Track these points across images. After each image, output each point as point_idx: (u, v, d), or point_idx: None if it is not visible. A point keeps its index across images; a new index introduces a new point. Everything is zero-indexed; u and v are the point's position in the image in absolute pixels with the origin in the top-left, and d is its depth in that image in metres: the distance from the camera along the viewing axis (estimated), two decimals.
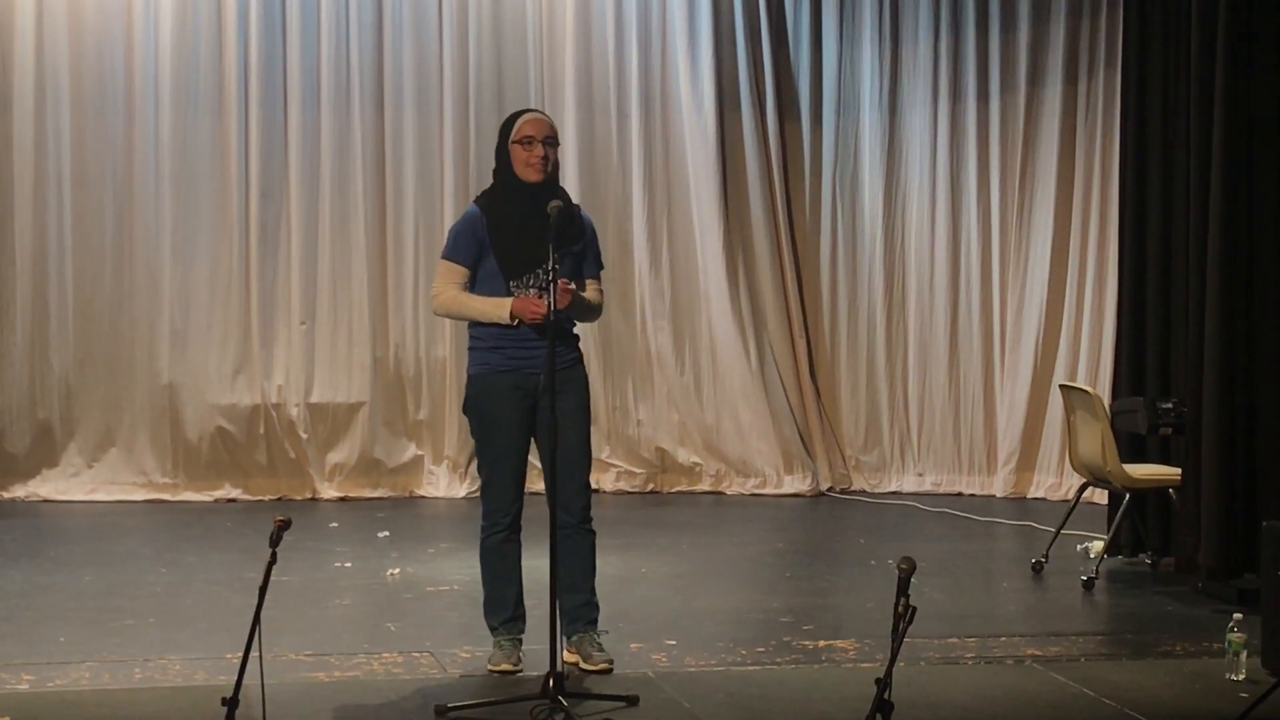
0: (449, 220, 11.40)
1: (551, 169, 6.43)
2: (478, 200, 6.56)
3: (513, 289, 6.38)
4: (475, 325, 6.49)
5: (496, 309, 6.37)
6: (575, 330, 6.58)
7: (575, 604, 6.50)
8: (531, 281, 6.36)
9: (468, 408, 6.56)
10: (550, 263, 6.10)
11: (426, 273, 11.45)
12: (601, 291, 6.62)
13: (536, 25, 11.67)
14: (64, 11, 11.03)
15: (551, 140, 6.43)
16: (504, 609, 6.52)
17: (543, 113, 6.63)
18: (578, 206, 6.60)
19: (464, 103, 11.55)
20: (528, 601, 6.59)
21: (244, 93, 11.24)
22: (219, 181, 11.26)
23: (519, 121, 6.47)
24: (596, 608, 6.59)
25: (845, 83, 12.06)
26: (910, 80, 11.99)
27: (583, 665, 6.47)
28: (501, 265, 6.40)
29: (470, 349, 6.56)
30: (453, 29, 11.51)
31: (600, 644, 6.55)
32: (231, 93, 11.22)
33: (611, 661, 6.51)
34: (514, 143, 6.43)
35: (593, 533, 6.55)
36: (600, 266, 6.64)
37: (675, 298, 11.83)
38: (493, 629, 6.55)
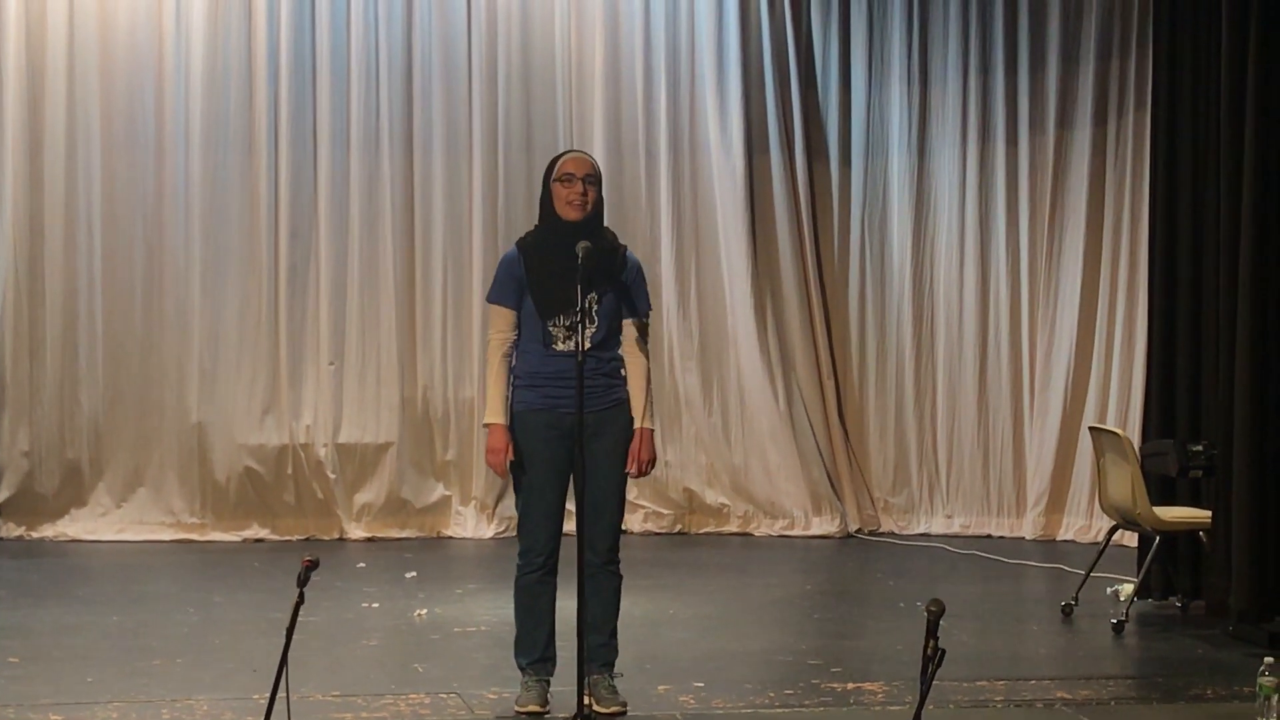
0: (477, 262, 11.43)
1: (592, 208, 6.41)
2: (520, 240, 6.57)
3: (549, 329, 6.37)
4: (517, 363, 6.49)
5: (488, 413, 6.45)
6: (623, 372, 6.54)
7: (592, 645, 6.43)
8: (566, 321, 6.34)
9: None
10: (580, 304, 6.10)
11: (454, 314, 11.47)
12: (645, 331, 6.54)
13: (565, 67, 11.70)
14: (95, 52, 11.09)
15: (592, 179, 6.41)
16: (533, 650, 6.49)
17: (586, 153, 6.63)
18: (624, 246, 6.55)
19: (493, 145, 11.56)
20: (557, 642, 6.56)
21: (274, 134, 11.28)
22: (248, 222, 11.29)
23: (561, 160, 6.47)
24: (615, 650, 6.55)
25: (874, 124, 12.05)
26: (939, 122, 11.98)
27: (595, 708, 6.42)
28: (537, 305, 6.39)
29: (513, 386, 6.54)
30: (482, 71, 11.53)
31: (614, 687, 6.49)
32: (261, 134, 11.26)
33: (625, 705, 6.44)
34: (555, 181, 6.42)
35: (618, 575, 6.51)
36: (648, 307, 6.57)
37: (703, 339, 11.82)
38: (521, 668, 6.52)
